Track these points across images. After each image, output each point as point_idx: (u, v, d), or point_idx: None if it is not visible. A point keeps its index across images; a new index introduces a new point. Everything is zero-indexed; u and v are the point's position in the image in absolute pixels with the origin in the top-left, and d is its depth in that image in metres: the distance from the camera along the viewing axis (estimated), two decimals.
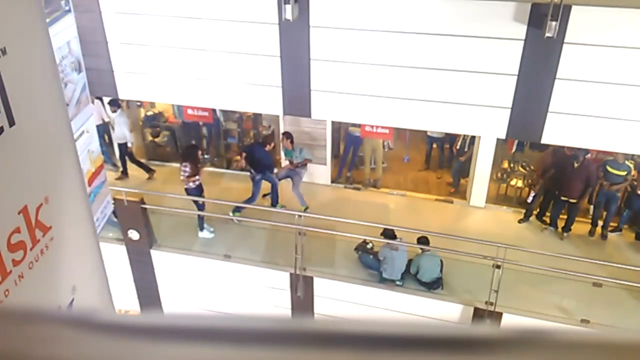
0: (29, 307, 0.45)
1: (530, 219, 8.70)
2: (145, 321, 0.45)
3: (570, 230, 8.33)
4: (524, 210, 8.80)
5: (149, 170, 9.64)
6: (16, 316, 0.45)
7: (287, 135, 8.70)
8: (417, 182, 9.77)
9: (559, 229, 8.42)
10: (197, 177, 7.99)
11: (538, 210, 8.72)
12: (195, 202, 8.20)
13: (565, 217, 8.32)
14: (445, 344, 0.41)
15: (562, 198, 8.08)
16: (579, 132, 6.27)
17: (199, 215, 8.30)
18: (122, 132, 9.12)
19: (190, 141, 10.38)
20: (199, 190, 8.11)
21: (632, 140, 6.20)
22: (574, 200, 8.00)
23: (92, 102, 9.02)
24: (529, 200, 8.52)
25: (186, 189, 8.08)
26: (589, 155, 8.01)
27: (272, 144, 8.56)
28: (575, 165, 7.81)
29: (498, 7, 5.82)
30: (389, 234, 7.50)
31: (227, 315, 0.45)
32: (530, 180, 9.15)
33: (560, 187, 8.03)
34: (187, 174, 7.90)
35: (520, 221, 8.69)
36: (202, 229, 8.31)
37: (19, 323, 0.43)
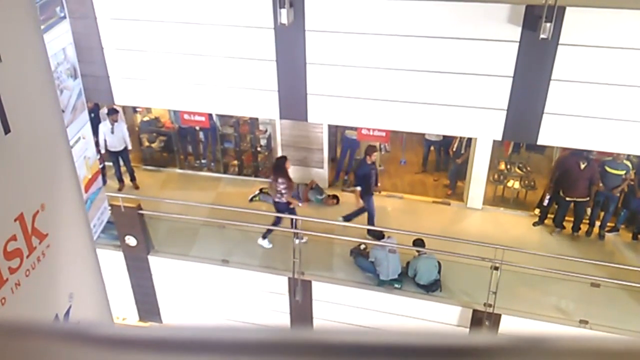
0: (23, 321, 0.45)
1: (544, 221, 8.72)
2: (142, 334, 0.44)
3: (579, 229, 8.35)
4: (520, 211, 8.84)
5: (132, 179, 9.61)
6: (10, 330, 0.45)
7: (335, 197, 9.13)
8: (414, 184, 9.77)
9: (564, 230, 8.43)
10: (290, 191, 7.70)
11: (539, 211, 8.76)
12: (278, 213, 7.92)
13: (572, 218, 8.33)
14: (444, 353, 0.41)
15: (568, 199, 8.06)
16: (575, 133, 6.28)
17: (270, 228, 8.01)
18: (120, 139, 9.08)
19: (186, 146, 10.37)
20: (288, 205, 7.82)
21: (627, 140, 6.22)
22: (581, 200, 8.01)
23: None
24: (545, 203, 8.50)
25: (276, 203, 7.80)
26: (593, 156, 7.98)
27: (373, 155, 8.01)
28: (582, 166, 7.83)
29: (492, 9, 5.83)
30: (376, 233, 7.51)
31: (224, 326, 0.44)
32: (527, 181, 9.17)
33: (567, 188, 8.01)
34: (284, 189, 7.59)
35: (535, 224, 8.69)
36: (265, 237, 8.06)
37: (14, 337, 0.43)
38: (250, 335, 0.43)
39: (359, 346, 0.42)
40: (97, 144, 8.56)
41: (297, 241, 7.41)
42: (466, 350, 0.41)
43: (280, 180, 7.56)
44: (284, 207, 7.78)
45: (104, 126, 8.89)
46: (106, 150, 8.97)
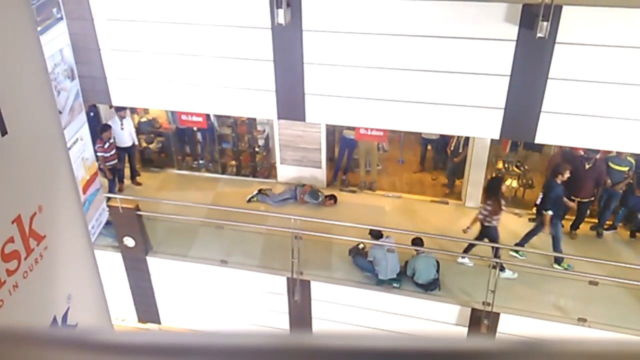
0: (20, 327, 0.44)
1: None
2: (139, 340, 0.44)
3: (578, 228, 8.34)
4: (518, 210, 8.84)
5: (134, 176, 9.80)
6: (7, 337, 0.44)
7: (332, 197, 9.03)
8: (412, 183, 9.78)
9: (562, 229, 8.42)
10: (498, 216, 7.12)
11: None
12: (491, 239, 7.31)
13: (574, 217, 8.30)
14: (443, 357, 0.41)
15: (573, 198, 7.98)
16: (572, 131, 6.29)
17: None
18: (129, 135, 9.27)
19: (184, 147, 10.37)
20: (497, 230, 7.24)
21: (624, 138, 6.23)
22: (586, 200, 8.00)
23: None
24: (538, 201, 8.45)
25: (487, 227, 7.21)
26: (598, 155, 7.91)
27: (566, 174, 7.19)
28: (587, 166, 7.80)
29: (489, 8, 5.84)
30: (375, 233, 7.52)
31: (221, 332, 0.44)
32: (524, 180, 9.18)
33: (572, 188, 7.87)
34: (486, 213, 7.09)
35: (531, 220, 8.66)
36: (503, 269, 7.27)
37: (10, 344, 0.43)
38: (246, 341, 0.43)
39: (356, 351, 0.42)
40: (108, 143, 8.66)
41: None
42: (465, 354, 0.41)
43: (488, 202, 7.12)
44: (493, 231, 7.20)
45: (114, 123, 9.03)
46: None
